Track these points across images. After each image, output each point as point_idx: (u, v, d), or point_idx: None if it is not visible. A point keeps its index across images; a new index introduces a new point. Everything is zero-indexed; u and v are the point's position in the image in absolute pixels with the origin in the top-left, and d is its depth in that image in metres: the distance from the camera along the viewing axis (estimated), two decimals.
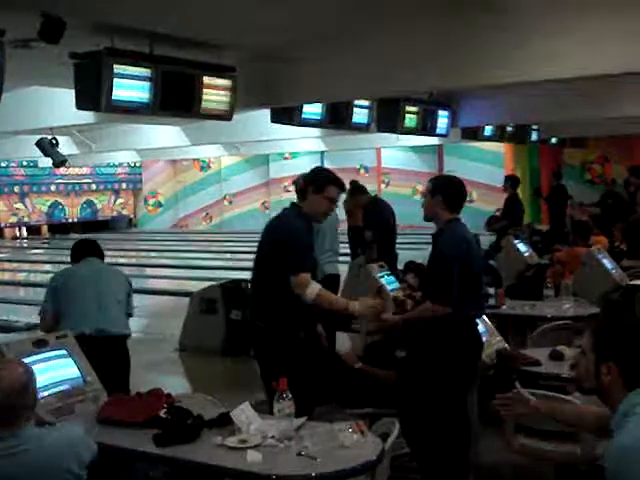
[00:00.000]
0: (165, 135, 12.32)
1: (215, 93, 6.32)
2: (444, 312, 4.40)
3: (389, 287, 5.98)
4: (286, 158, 24.38)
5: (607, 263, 7.88)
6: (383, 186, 22.68)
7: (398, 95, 8.64)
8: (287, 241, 4.46)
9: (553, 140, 15.78)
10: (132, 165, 26.35)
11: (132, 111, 5.98)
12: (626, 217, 12.60)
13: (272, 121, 8.11)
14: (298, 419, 3.47)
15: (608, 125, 13.94)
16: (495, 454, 5.12)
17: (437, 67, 6.15)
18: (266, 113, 8.11)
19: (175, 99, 6.04)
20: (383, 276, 6.12)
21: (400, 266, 7.68)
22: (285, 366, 4.13)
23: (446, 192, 4.62)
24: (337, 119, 8.58)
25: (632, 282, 7.66)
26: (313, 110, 8.09)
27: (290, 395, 3.47)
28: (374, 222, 8.41)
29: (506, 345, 5.15)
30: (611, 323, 2.83)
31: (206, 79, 6.19)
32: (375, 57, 6.36)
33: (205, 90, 6.20)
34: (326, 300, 4.48)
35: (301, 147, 17.18)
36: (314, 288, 4.39)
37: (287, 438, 3.35)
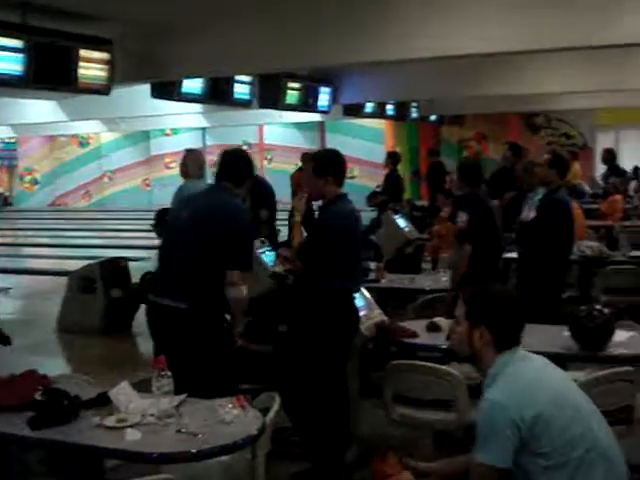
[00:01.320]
0: (41, 110, 11.90)
1: (92, 67, 6.18)
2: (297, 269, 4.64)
3: (269, 263, 5.99)
4: (167, 134, 24.01)
5: None
6: (266, 162, 22.65)
7: (278, 71, 8.64)
8: (246, 234, 4.42)
9: (432, 118, 16.11)
10: (6, 141, 25.42)
11: (4, 84, 5.78)
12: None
13: (152, 96, 7.99)
14: (178, 396, 3.45)
15: (485, 103, 14.31)
16: (375, 425, 5.23)
17: (315, 44, 6.18)
18: (146, 88, 7.97)
19: (50, 72, 5.87)
20: (264, 252, 6.12)
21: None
22: (207, 349, 4.16)
23: (335, 171, 4.64)
24: (218, 95, 8.52)
25: (506, 255, 7.95)
26: (193, 85, 8.00)
27: (169, 373, 3.44)
28: (268, 200, 8.47)
29: (385, 318, 5.24)
30: (480, 290, 2.97)
31: (82, 52, 6.03)
32: (255, 33, 6.33)
33: (81, 63, 6.05)
34: (242, 308, 4.42)
35: (182, 123, 16.96)
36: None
37: (167, 416, 3.32)
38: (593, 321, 4.30)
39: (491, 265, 6.02)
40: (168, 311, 4.22)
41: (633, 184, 14.13)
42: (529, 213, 6.35)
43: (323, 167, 4.61)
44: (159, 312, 4.30)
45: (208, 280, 4.24)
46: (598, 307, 4.48)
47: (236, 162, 4.55)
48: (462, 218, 5.99)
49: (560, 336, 4.52)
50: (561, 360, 4.96)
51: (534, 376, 2.76)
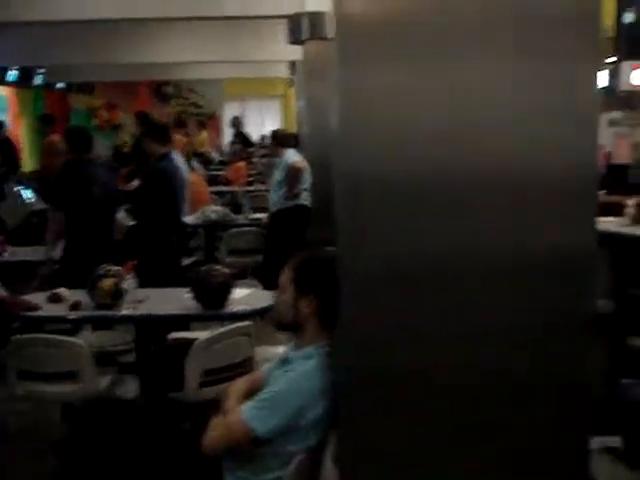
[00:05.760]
0: None
1: None
2: None
3: None
4: None
5: None
6: None
7: None
8: None
9: (59, 85, 15.65)
10: None
11: None
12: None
13: None
14: None
15: (115, 71, 14.21)
16: (1, 404, 5.03)
17: None
18: None
19: None
20: None
21: None
22: None
23: None
24: None
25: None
26: None
27: None
28: None
29: (4, 292, 5.01)
30: (310, 258, 2.81)
31: None
32: None
33: None
34: None
35: None
36: None
37: None
38: (212, 281, 4.46)
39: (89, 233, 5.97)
40: None
41: (260, 151, 14.90)
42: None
43: None
44: None
45: None
46: (217, 267, 4.65)
47: None
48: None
49: (183, 298, 4.63)
50: (185, 321, 5.16)
51: None
